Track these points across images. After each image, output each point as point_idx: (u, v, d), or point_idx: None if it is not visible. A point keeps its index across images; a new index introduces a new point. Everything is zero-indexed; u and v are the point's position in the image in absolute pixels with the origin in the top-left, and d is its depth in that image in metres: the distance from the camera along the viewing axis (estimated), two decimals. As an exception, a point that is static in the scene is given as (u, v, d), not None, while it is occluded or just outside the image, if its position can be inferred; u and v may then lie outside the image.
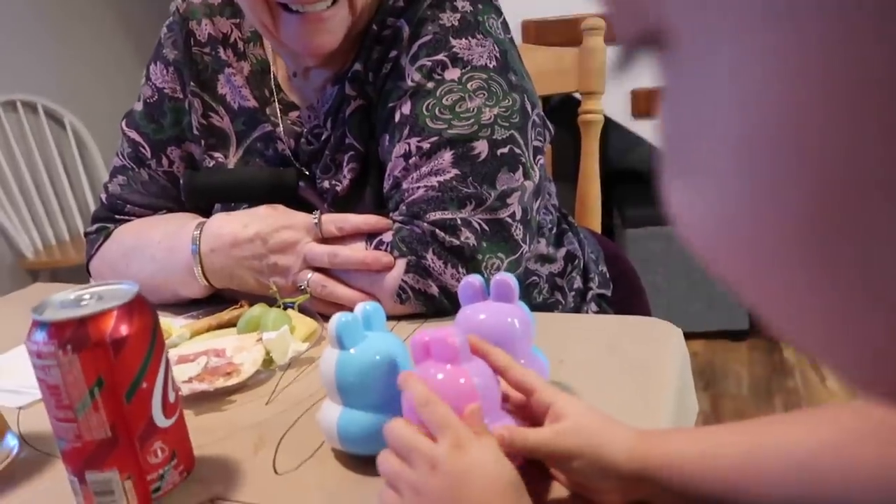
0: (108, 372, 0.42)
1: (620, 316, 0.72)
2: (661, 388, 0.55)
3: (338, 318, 0.45)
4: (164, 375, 0.45)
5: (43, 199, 2.44)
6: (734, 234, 0.15)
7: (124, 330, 0.43)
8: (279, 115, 0.82)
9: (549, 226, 0.87)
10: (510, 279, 0.51)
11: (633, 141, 2.14)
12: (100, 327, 0.42)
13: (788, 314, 0.15)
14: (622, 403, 0.53)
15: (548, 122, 0.83)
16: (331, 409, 0.47)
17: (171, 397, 0.46)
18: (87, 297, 0.45)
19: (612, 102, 1.93)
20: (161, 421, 0.45)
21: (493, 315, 0.51)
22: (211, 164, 0.83)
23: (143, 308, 0.45)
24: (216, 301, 0.76)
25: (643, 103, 1.95)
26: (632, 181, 2.72)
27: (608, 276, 0.95)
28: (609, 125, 1.96)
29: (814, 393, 1.84)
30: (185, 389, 0.57)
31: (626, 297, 0.96)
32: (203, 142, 0.83)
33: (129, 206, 0.86)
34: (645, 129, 1.98)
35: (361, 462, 0.48)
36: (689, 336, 0.66)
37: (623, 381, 0.57)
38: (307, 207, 0.78)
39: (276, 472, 0.49)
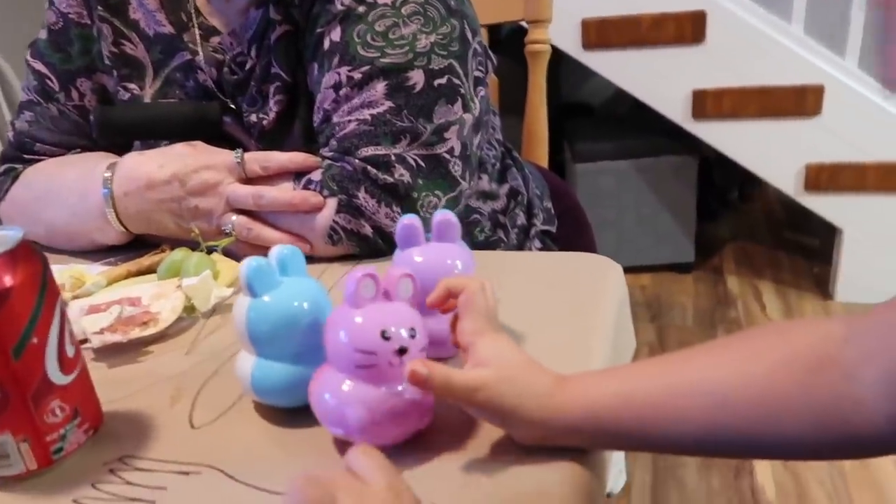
0: (-10, 327, 0.38)
1: (561, 252, 0.70)
2: (596, 327, 0.54)
3: (248, 262, 0.42)
4: (60, 328, 0.41)
5: (-36, 138, 2.28)
6: None
7: (7, 281, 0.39)
8: (199, 41, 0.75)
9: (493, 161, 0.84)
10: (451, 217, 0.49)
11: (586, 73, 2.10)
12: (-23, 279, 0.38)
13: None
14: (557, 341, 0.51)
15: (490, 52, 0.78)
16: (245, 360, 0.44)
17: (70, 351, 0.42)
18: (-37, 245, 0.40)
19: (562, 32, 1.88)
20: (58, 378, 0.41)
21: (433, 257, 0.48)
22: (126, 97, 0.76)
23: (28, 256, 0.40)
24: (137, 246, 0.71)
25: (594, 34, 1.90)
26: (583, 115, 2.69)
27: (553, 212, 0.93)
28: (561, 57, 1.91)
29: (754, 322, 1.89)
30: (96, 341, 0.53)
31: (572, 234, 0.94)
32: (116, 72, 0.76)
33: (38, 144, 0.79)
34: (596, 62, 1.94)
35: (282, 414, 0.45)
36: (637, 270, 0.65)
37: (560, 319, 0.55)
38: (233, 143, 0.73)
39: (192, 426, 0.46)
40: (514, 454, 0.40)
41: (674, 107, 1.92)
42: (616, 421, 0.38)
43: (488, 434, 0.42)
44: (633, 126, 2.24)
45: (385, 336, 0.38)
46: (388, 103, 0.65)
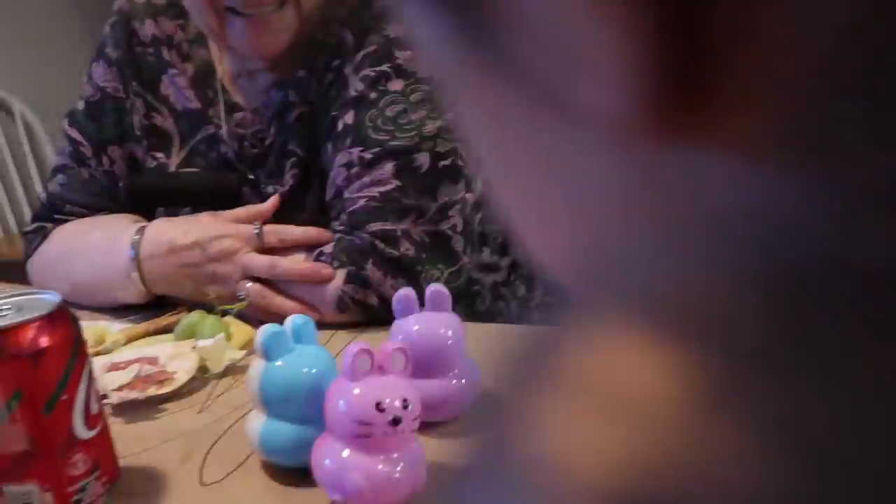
0: (26, 384, 0.42)
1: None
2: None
3: (265, 329, 0.46)
4: (87, 387, 0.45)
5: (-11, 190, 2.37)
6: None
7: (44, 342, 0.42)
8: (223, 116, 0.82)
9: (495, 234, 0.88)
10: (442, 288, 0.53)
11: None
12: (18, 339, 0.42)
13: None
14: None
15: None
16: (255, 419, 0.47)
17: (94, 409, 0.46)
18: (6, 307, 0.44)
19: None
20: (83, 432, 0.45)
21: (426, 325, 0.52)
22: (153, 165, 0.82)
23: (64, 319, 0.44)
24: (154, 305, 0.76)
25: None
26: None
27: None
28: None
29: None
30: (115, 398, 0.56)
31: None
32: (146, 141, 0.82)
33: (68, 205, 0.84)
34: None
35: (288, 473, 0.48)
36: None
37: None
38: (250, 213, 0.78)
39: (202, 483, 0.49)
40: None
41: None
42: None
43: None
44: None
45: (380, 408, 0.41)
46: (396, 182, 0.70)
